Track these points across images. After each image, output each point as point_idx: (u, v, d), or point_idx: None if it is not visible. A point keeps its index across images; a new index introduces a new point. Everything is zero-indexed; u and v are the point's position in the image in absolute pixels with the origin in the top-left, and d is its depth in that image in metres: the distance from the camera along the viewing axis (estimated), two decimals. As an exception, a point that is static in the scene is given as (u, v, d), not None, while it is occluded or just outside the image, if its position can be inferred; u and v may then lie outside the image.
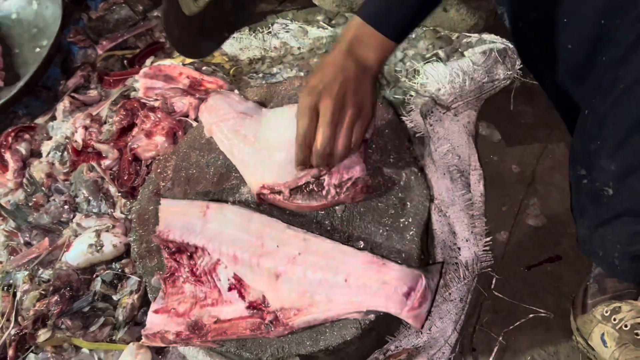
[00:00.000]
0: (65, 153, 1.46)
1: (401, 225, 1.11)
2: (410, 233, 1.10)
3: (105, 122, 1.48)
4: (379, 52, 1.01)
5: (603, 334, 1.11)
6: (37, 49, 1.71)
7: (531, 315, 1.25)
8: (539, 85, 1.22)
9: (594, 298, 1.17)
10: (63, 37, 1.73)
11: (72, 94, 1.59)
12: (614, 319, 1.10)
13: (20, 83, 1.55)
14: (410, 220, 1.11)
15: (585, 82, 0.99)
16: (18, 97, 1.61)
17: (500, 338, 1.23)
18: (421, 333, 1.20)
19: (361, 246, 1.09)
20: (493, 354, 1.22)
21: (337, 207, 1.14)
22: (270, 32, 1.70)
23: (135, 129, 1.42)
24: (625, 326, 1.08)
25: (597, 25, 0.91)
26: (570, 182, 1.14)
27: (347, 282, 1.02)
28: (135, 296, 1.25)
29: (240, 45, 1.70)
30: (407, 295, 0.99)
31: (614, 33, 0.87)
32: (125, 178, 1.36)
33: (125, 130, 1.42)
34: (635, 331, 1.07)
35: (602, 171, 0.97)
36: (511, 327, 1.24)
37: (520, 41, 1.20)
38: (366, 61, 1.01)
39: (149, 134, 1.36)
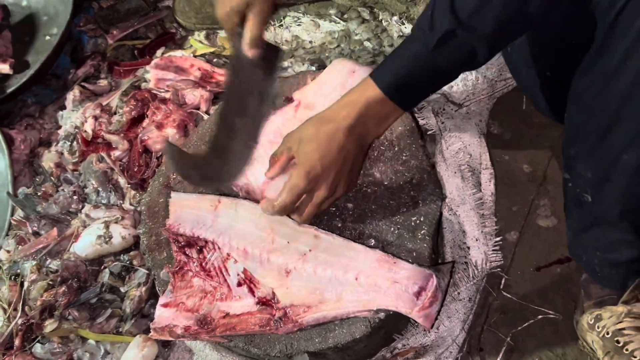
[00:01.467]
0: (75, 143, 1.45)
1: (412, 223, 1.10)
2: (422, 232, 1.09)
3: (115, 113, 1.47)
4: (386, 125, 1.00)
5: (592, 342, 1.11)
6: (47, 37, 1.70)
7: (540, 317, 1.25)
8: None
9: (582, 303, 1.18)
10: (73, 26, 1.72)
11: (82, 84, 1.58)
12: (597, 327, 1.09)
13: (30, 71, 1.54)
14: (422, 219, 1.11)
15: (564, 89, 0.99)
16: (27, 86, 1.60)
17: (508, 339, 1.23)
18: (429, 332, 1.20)
19: (372, 244, 1.09)
20: (500, 355, 1.22)
21: (348, 204, 1.14)
22: (282, 25, 1.69)
23: (146, 120, 1.41)
24: (607, 333, 1.07)
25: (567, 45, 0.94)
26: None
27: (358, 280, 1.02)
28: (143, 288, 1.25)
29: (252, 37, 1.69)
30: (418, 294, 0.99)
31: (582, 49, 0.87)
32: (135, 170, 1.35)
33: (136, 122, 1.42)
34: (616, 338, 1.06)
35: (581, 177, 0.97)
36: (519, 328, 1.24)
37: (510, 63, 1.26)
38: (369, 137, 1.00)
39: (159, 126, 1.35)
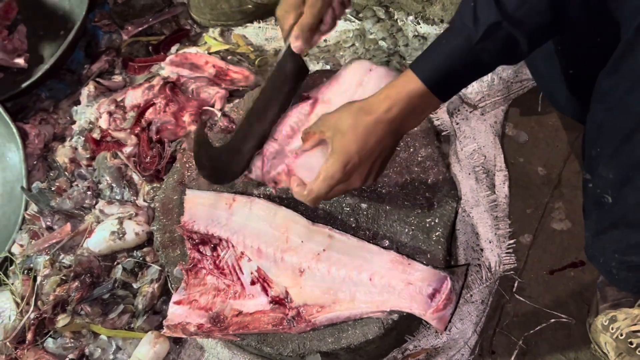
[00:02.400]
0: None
1: (427, 225, 1.10)
2: (437, 234, 1.09)
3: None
4: (423, 117, 0.99)
5: (605, 344, 1.11)
6: (62, 32, 1.70)
7: (552, 320, 1.24)
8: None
9: (597, 306, 1.17)
10: (88, 21, 1.72)
11: (97, 79, 1.58)
12: (612, 329, 1.09)
13: (45, 66, 1.53)
14: (436, 220, 1.10)
15: (586, 90, 0.98)
16: (42, 80, 1.60)
17: (521, 342, 1.22)
18: (441, 334, 1.19)
19: (386, 245, 1.09)
20: (512, 358, 1.21)
21: (362, 204, 1.13)
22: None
23: (149, 111, 1.40)
24: (621, 335, 1.07)
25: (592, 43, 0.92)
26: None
27: (372, 281, 1.02)
28: (156, 285, 1.25)
29: (266, 35, 1.68)
30: (432, 297, 0.99)
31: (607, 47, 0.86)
32: (148, 162, 1.35)
33: (140, 115, 1.42)
34: (629, 340, 1.06)
35: (602, 178, 0.96)
36: (532, 332, 1.23)
37: (530, 64, 1.25)
38: (405, 130, 0.99)
39: (175, 117, 1.35)
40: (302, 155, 1.09)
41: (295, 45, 1.11)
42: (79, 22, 1.57)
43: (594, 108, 0.94)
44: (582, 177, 1.07)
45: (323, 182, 0.97)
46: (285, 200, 1.16)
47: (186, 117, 1.35)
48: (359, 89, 1.18)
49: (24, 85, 1.55)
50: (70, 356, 1.23)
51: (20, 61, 1.63)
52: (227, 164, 1.12)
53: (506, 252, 1.28)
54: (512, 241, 1.29)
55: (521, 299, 1.26)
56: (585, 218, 1.12)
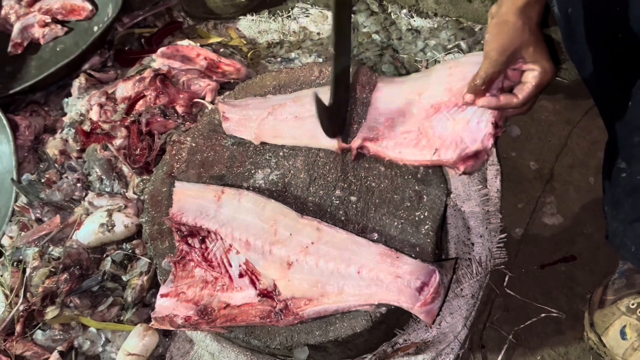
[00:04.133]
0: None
1: (416, 218, 1.09)
2: (426, 227, 1.08)
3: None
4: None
5: (624, 327, 1.11)
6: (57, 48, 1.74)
7: (543, 315, 1.24)
8: (579, 73, 1.20)
9: (618, 293, 1.16)
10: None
11: (88, 71, 1.57)
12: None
13: (33, 80, 1.54)
14: (426, 214, 1.09)
15: (631, 73, 0.97)
16: (25, 91, 1.60)
17: (511, 336, 1.22)
18: (431, 328, 1.19)
19: (375, 238, 1.08)
20: (502, 352, 1.21)
21: (352, 197, 1.13)
22: (289, 16, 1.68)
23: (140, 103, 1.40)
24: None
25: None
26: (603, 176, 1.13)
27: (360, 274, 1.01)
28: (145, 277, 1.25)
29: (259, 28, 1.68)
30: (420, 290, 0.98)
31: None
32: (137, 154, 1.34)
33: (131, 107, 1.41)
34: None
35: None
36: (522, 326, 1.23)
37: (566, 28, 1.18)
38: (533, 16, 1.00)
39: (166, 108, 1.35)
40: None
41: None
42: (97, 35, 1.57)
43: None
44: (611, 167, 1.07)
45: (538, 89, 0.98)
46: (274, 193, 1.15)
47: (177, 108, 1.35)
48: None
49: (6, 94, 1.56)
50: (59, 348, 1.23)
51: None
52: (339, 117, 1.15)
53: (497, 247, 1.28)
54: (503, 235, 1.28)
55: (512, 293, 1.26)
56: (614, 209, 1.11)
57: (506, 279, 1.27)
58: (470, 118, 1.07)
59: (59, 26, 1.72)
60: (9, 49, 1.73)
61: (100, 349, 1.24)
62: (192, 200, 1.13)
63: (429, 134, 1.10)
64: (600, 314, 1.16)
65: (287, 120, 1.20)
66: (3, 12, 1.77)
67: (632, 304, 1.11)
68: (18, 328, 1.24)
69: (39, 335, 1.24)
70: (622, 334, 1.11)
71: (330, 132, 1.13)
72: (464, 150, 1.06)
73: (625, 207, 1.06)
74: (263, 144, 1.22)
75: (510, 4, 0.97)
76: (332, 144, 1.15)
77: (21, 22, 1.73)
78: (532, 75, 0.97)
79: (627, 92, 1.02)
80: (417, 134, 1.11)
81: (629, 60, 0.99)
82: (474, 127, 1.06)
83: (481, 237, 1.28)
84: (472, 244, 1.27)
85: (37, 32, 1.72)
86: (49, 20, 1.72)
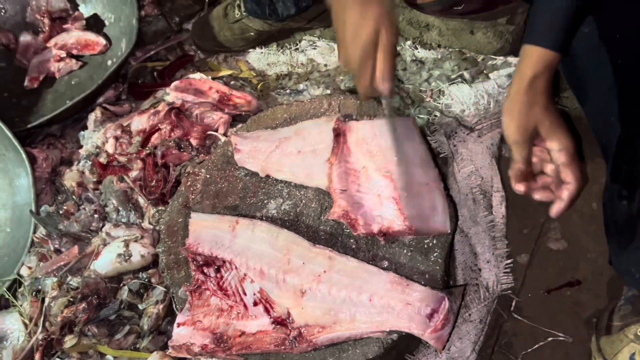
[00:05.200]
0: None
1: (425, 246, 1.13)
2: (435, 254, 1.11)
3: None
4: (553, 71, 1.03)
5: (634, 354, 1.12)
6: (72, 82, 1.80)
7: (550, 339, 1.26)
8: (578, 101, 1.23)
9: (625, 319, 1.18)
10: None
11: (104, 105, 1.62)
12: None
13: (49, 115, 1.59)
14: (434, 241, 1.13)
15: (631, 102, 1.00)
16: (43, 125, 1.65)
17: (519, 360, 1.24)
18: (440, 353, 1.21)
19: (385, 266, 1.11)
20: (511, 376, 1.23)
21: (362, 227, 1.16)
22: (297, 49, 1.73)
23: (155, 136, 1.45)
24: None
25: None
26: (604, 202, 1.15)
27: (371, 302, 1.04)
28: (161, 306, 1.27)
29: (268, 60, 1.73)
30: (430, 317, 1.01)
31: None
32: (153, 185, 1.38)
33: (146, 140, 1.46)
34: None
35: None
36: (529, 350, 1.25)
37: (565, 59, 1.22)
38: (549, 91, 1.02)
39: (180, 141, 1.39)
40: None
41: (385, 88, 1.07)
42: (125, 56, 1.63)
43: None
44: (612, 195, 1.09)
45: (574, 160, 0.98)
46: (287, 222, 1.19)
47: (192, 141, 1.39)
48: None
49: (24, 127, 1.61)
50: (78, 376, 1.25)
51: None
52: None
53: (504, 272, 1.31)
54: (509, 261, 1.31)
55: (519, 318, 1.28)
56: (616, 235, 1.13)
57: (513, 303, 1.29)
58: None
59: (74, 60, 1.77)
60: (26, 83, 1.78)
61: (117, 377, 1.26)
62: (207, 231, 1.17)
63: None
64: (608, 340, 1.18)
65: (291, 154, 1.24)
66: (20, 47, 1.82)
67: (639, 332, 1.13)
68: (37, 357, 1.27)
69: (57, 363, 1.27)
70: None
71: None
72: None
73: (627, 234, 1.08)
74: (272, 175, 1.26)
75: (519, 82, 0.99)
76: (324, 183, 1.18)
77: (37, 57, 1.78)
78: (560, 156, 0.98)
79: (624, 121, 1.06)
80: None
81: (627, 86, 1.02)
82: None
83: (488, 262, 1.31)
84: (480, 270, 1.30)
85: (53, 66, 1.78)
86: (64, 55, 1.77)
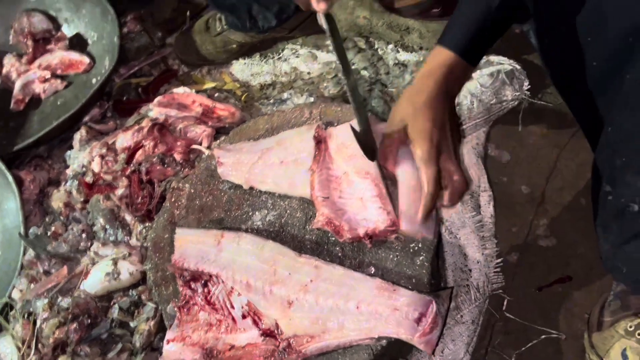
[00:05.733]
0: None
1: (411, 250, 1.13)
2: (421, 258, 1.11)
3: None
4: (461, 83, 1.06)
5: (625, 349, 1.11)
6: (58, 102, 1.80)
7: (543, 337, 1.25)
8: (561, 97, 1.24)
9: (615, 315, 1.17)
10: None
11: (89, 124, 1.62)
12: (639, 334, 1.11)
13: (35, 137, 1.59)
14: (420, 245, 1.13)
15: (610, 98, 1.00)
16: (30, 146, 1.65)
17: (513, 359, 1.24)
18: (433, 356, 1.21)
19: (372, 272, 1.11)
20: (506, 376, 1.23)
21: (347, 234, 1.16)
22: (280, 58, 1.73)
23: (139, 153, 1.45)
24: None
25: (623, 42, 0.93)
26: (592, 198, 1.15)
27: (359, 309, 1.04)
28: (152, 322, 1.27)
29: (252, 71, 1.73)
30: (418, 321, 1.01)
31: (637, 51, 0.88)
32: (139, 202, 1.38)
33: (130, 157, 1.46)
34: None
35: (628, 187, 0.97)
36: (523, 349, 1.25)
37: (546, 56, 1.22)
38: (455, 94, 1.05)
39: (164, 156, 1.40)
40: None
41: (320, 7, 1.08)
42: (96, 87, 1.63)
43: (622, 118, 0.96)
44: (598, 190, 1.09)
45: (426, 165, 0.99)
46: (272, 233, 1.19)
47: (176, 155, 1.40)
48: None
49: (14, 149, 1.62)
50: (72, 397, 1.25)
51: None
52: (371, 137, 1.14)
53: (494, 272, 1.30)
54: (499, 260, 1.31)
55: (511, 316, 1.28)
56: (603, 232, 1.13)
57: (505, 303, 1.29)
58: None
59: (59, 80, 1.78)
60: (12, 105, 1.78)
61: (111, 395, 1.26)
62: (192, 246, 1.17)
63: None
64: (600, 336, 1.17)
65: (274, 165, 1.24)
66: (4, 70, 1.83)
67: (630, 327, 1.12)
68: (31, 379, 1.27)
69: (51, 385, 1.27)
70: (624, 357, 1.12)
71: (371, 154, 1.13)
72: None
73: (614, 229, 1.08)
74: (255, 186, 1.26)
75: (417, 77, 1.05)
76: (307, 192, 1.18)
77: (22, 79, 1.79)
78: (416, 160, 1.00)
79: (606, 116, 1.06)
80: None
81: (605, 85, 1.02)
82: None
83: (478, 263, 1.30)
84: (470, 270, 1.29)
85: (38, 87, 1.78)
86: (49, 76, 1.77)
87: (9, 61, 1.83)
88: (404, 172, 1.07)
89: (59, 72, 1.80)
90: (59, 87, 1.78)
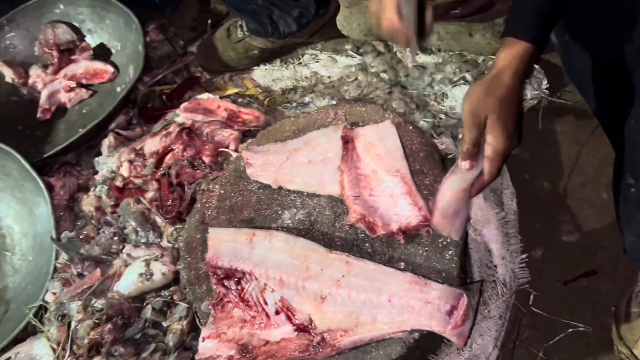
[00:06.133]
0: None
1: (440, 245, 1.15)
2: (450, 252, 1.13)
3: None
4: (531, 69, 1.07)
5: None
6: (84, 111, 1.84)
7: (570, 330, 1.27)
8: (581, 95, 1.26)
9: (628, 309, 1.19)
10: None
11: (116, 130, 1.66)
12: None
13: (62, 145, 1.63)
14: (448, 240, 1.15)
15: (629, 92, 1.02)
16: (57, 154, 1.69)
17: (541, 353, 1.26)
18: (463, 351, 1.22)
19: (402, 267, 1.13)
20: (534, 370, 1.24)
21: (376, 230, 1.18)
22: (300, 63, 1.76)
23: (168, 156, 1.48)
24: None
25: None
26: (614, 191, 1.17)
27: (391, 302, 1.06)
28: (184, 322, 1.29)
29: (273, 76, 1.77)
30: (450, 313, 1.02)
31: None
32: (169, 204, 1.41)
33: (160, 161, 1.49)
34: None
35: None
36: (551, 342, 1.26)
37: (565, 53, 1.24)
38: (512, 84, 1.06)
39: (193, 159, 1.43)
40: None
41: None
42: (121, 95, 1.66)
43: None
44: (620, 183, 1.11)
45: (498, 161, 1.03)
46: (302, 231, 1.21)
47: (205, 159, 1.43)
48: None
49: (40, 158, 1.65)
50: (107, 397, 1.27)
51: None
52: None
53: (519, 267, 1.32)
54: (524, 256, 1.32)
55: (538, 311, 1.29)
56: (627, 223, 1.15)
57: (531, 297, 1.30)
58: None
59: (84, 90, 1.82)
60: (38, 114, 1.82)
61: (145, 395, 1.28)
62: (225, 245, 1.19)
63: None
64: (628, 327, 1.19)
65: (302, 164, 1.27)
66: (30, 80, 1.87)
67: None
68: (67, 380, 1.29)
69: (86, 385, 1.29)
70: None
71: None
72: None
73: (637, 220, 1.10)
74: (286, 185, 1.28)
75: (488, 71, 1.04)
76: (336, 190, 1.21)
77: (48, 89, 1.83)
78: (488, 150, 1.03)
79: (627, 111, 1.08)
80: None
81: (625, 81, 1.04)
82: None
83: (503, 259, 1.32)
84: (495, 266, 1.31)
85: (64, 97, 1.82)
86: (74, 85, 1.81)
87: (35, 72, 1.87)
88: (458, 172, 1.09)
89: (84, 81, 1.84)
90: (85, 96, 1.81)
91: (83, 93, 1.81)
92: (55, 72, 1.85)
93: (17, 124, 1.84)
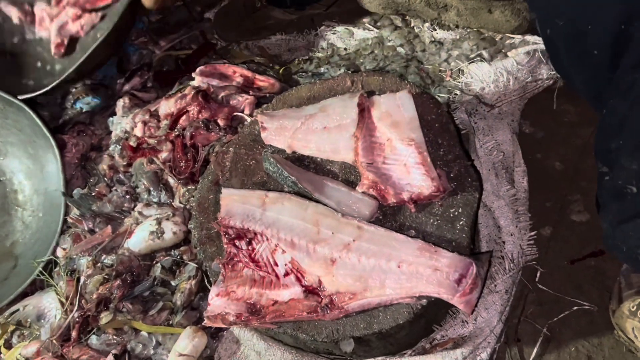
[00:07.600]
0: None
1: (451, 215, 1.15)
2: (461, 223, 1.14)
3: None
4: None
5: (633, 329, 1.14)
6: (98, 35, 1.71)
7: (575, 308, 1.28)
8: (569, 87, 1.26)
9: (623, 293, 1.20)
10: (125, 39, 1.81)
11: (131, 92, 1.66)
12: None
13: (76, 64, 1.56)
14: (460, 210, 1.15)
15: (608, 84, 1.02)
16: (74, 78, 1.63)
17: (545, 329, 1.26)
18: (467, 323, 1.23)
19: (413, 235, 1.13)
20: (537, 345, 1.25)
21: (389, 198, 1.18)
22: (317, 34, 1.76)
23: (183, 118, 1.48)
24: None
25: (617, 30, 0.95)
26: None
27: (400, 268, 1.07)
28: (193, 282, 1.31)
29: (289, 46, 1.76)
30: (459, 281, 1.03)
31: (631, 38, 0.90)
32: (182, 165, 1.41)
33: (174, 122, 1.49)
34: None
35: (624, 170, 1.00)
36: (555, 319, 1.27)
37: (549, 46, 1.24)
38: None
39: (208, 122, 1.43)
40: None
41: None
42: (112, 25, 1.58)
43: (615, 102, 0.98)
44: (598, 170, 1.11)
45: None
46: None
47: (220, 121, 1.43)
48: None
49: (55, 83, 1.59)
50: (114, 352, 1.28)
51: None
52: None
53: (528, 244, 1.32)
54: (533, 233, 1.33)
55: (544, 288, 1.30)
56: (602, 210, 1.15)
57: (538, 274, 1.31)
58: None
59: (93, 14, 1.72)
60: (53, 51, 1.75)
61: (152, 352, 1.30)
62: (238, 205, 1.20)
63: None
64: (617, 314, 1.19)
65: (317, 130, 1.27)
66: (37, 18, 1.79)
67: (632, 307, 1.14)
68: (74, 334, 1.30)
69: (93, 340, 1.30)
70: (635, 337, 1.15)
71: None
72: None
73: (613, 209, 1.10)
74: (301, 150, 1.29)
75: None
76: (350, 157, 1.22)
77: (56, 22, 1.75)
78: None
79: (602, 100, 1.08)
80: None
81: (606, 73, 1.04)
82: None
83: (512, 235, 1.32)
84: (504, 242, 1.32)
85: (74, 26, 1.74)
86: (80, 13, 1.73)
87: (40, 7, 1.78)
88: None
89: (87, 6, 1.73)
90: (95, 20, 1.72)
91: (93, 17, 1.72)
92: (58, 3, 1.75)
93: (36, 60, 1.79)
